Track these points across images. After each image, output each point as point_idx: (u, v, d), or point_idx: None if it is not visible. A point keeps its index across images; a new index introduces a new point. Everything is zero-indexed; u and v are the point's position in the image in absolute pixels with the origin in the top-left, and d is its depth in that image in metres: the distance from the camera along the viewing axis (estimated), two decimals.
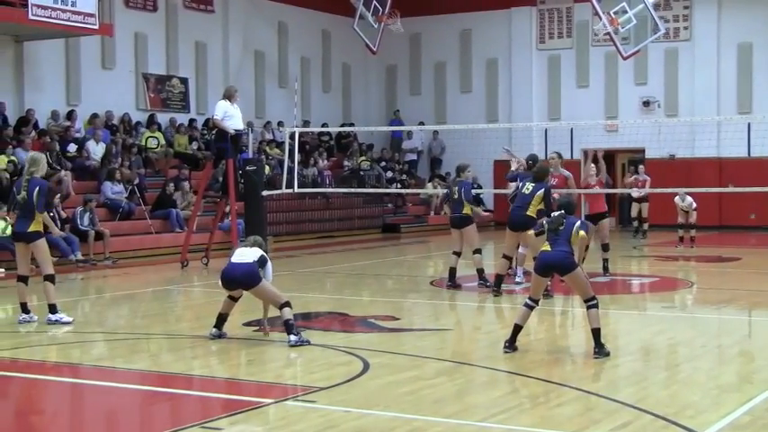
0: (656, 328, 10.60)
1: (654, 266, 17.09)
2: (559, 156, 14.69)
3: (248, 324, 10.18)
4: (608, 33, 22.81)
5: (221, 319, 9.49)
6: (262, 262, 9.25)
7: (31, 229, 10.42)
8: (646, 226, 22.55)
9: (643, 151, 25.78)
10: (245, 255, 9.29)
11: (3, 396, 7.79)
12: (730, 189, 21.99)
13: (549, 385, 7.54)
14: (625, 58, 23.87)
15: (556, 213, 8.96)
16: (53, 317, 10.54)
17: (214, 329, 9.47)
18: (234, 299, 9.47)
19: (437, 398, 7.11)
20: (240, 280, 9.21)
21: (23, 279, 10.66)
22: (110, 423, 6.97)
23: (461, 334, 10.59)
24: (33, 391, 7.88)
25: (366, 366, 8.14)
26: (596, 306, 8.67)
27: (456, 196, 13.16)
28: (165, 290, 14.35)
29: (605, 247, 14.56)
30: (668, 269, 16.64)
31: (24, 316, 10.64)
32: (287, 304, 9.21)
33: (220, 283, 9.44)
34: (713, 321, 11.23)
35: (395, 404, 6.90)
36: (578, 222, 8.86)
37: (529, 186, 12.24)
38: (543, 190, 12.17)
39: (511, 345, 8.75)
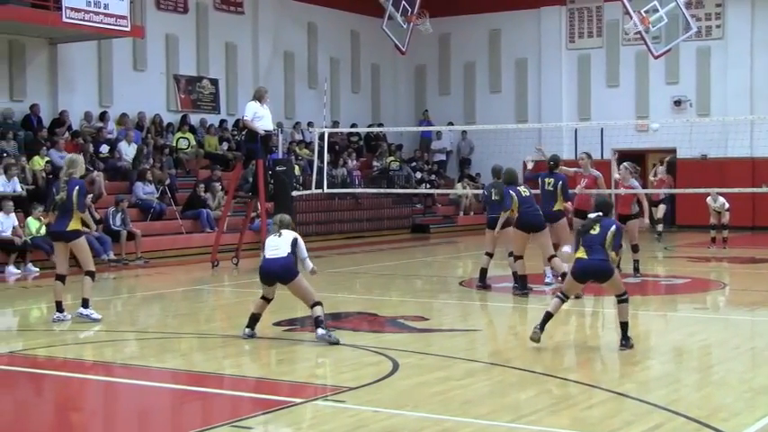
0: (689, 329, 10.51)
1: (686, 267, 16.95)
2: (589, 156, 14.72)
3: (278, 324, 10.22)
4: (639, 32, 22.66)
5: (254, 319, 9.51)
6: (294, 243, 9.27)
7: (70, 227, 10.56)
8: (660, 227, 22.07)
9: (674, 151, 25.58)
10: (279, 246, 9.27)
11: (37, 393, 7.89)
12: (764, 189, 21.74)
13: (579, 386, 7.50)
14: (656, 58, 23.69)
15: (592, 215, 8.95)
16: (84, 311, 10.68)
17: (247, 329, 9.50)
18: (267, 300, 9.50)
19: (467, 398, 7.10)
20: (278, 274, 9.22)
21: (61, 278, 10.78)
22: (141, 421, 7.02)
23: (491, 334, 10.56)
24: (67, 389, 7.96)
25: (395, 366, 8.15)
26: (627, 300, 8.91)
27: (496, 198, 13.15)
28: (196, 290, 14.45)
29: (635, 248, 14.48)
30: (700, 270, 16.49)
31: (58, 314, 10.75)
32: (318, 303, 9.25)
33: (259, 278, 9.46)
34: (746, 323, 11.11)
35: (424, 404, 6.90)
36: (614, 227, 8.87)
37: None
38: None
39: (541, 328, 8.88)
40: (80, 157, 11.22)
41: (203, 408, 7.23)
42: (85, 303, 10.72)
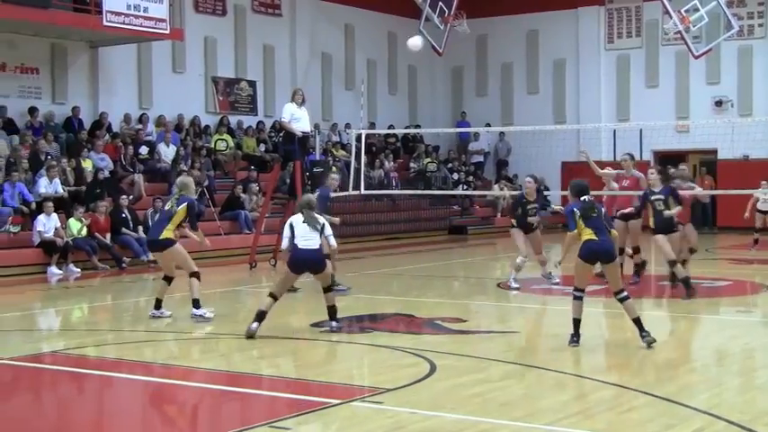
0: (731, 332, 10.37)
1: (727, 269, 16.73)
2: (632, 157, 14.56)
3: (316, 325, 10.24)
4: (679, 32, 22.40)
5: (261, 316, 9.69)
6: (322, 231, 9.75)
7: (163, 236, 10.77)
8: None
9: (715, 152, 25.28)
10: (310, 237, 9.64)
11: (79, 393, 7.97)
12: None
13: (618, 389, 7.43)
14: (696, 57, 23.41)
15: (585, 198, 9.07)
16: (196, 312, 10.92)
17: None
18: (275, 298, 9.83)
19: (504, 400, 7.07)
20: (310, 265, 9.71)
21: (167, 278, 11.04)
22: (180, 421, 7.08)
23: (528, 336, 10.50)
24: (107, 389, 8.05)
25: (433, 368, 8.13)
26: (628, 297, 9.03)
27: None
28: (234, 290, 14.52)
29: (636, 250, 14.22)
30: (742, 272, 16.28)
31: (154, 312, 11.00)
32: (332, 288, 9.98)
33: (288, 267, 9.78)
34: None
35: (461, 406, 6.87)
36: (603, 208, 9.28)
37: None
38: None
39: (577, 339, 9.00)
40: (191, 180, 11.41)
41: (241, 408, 7.26)
42: (195, 304, 10.92)
